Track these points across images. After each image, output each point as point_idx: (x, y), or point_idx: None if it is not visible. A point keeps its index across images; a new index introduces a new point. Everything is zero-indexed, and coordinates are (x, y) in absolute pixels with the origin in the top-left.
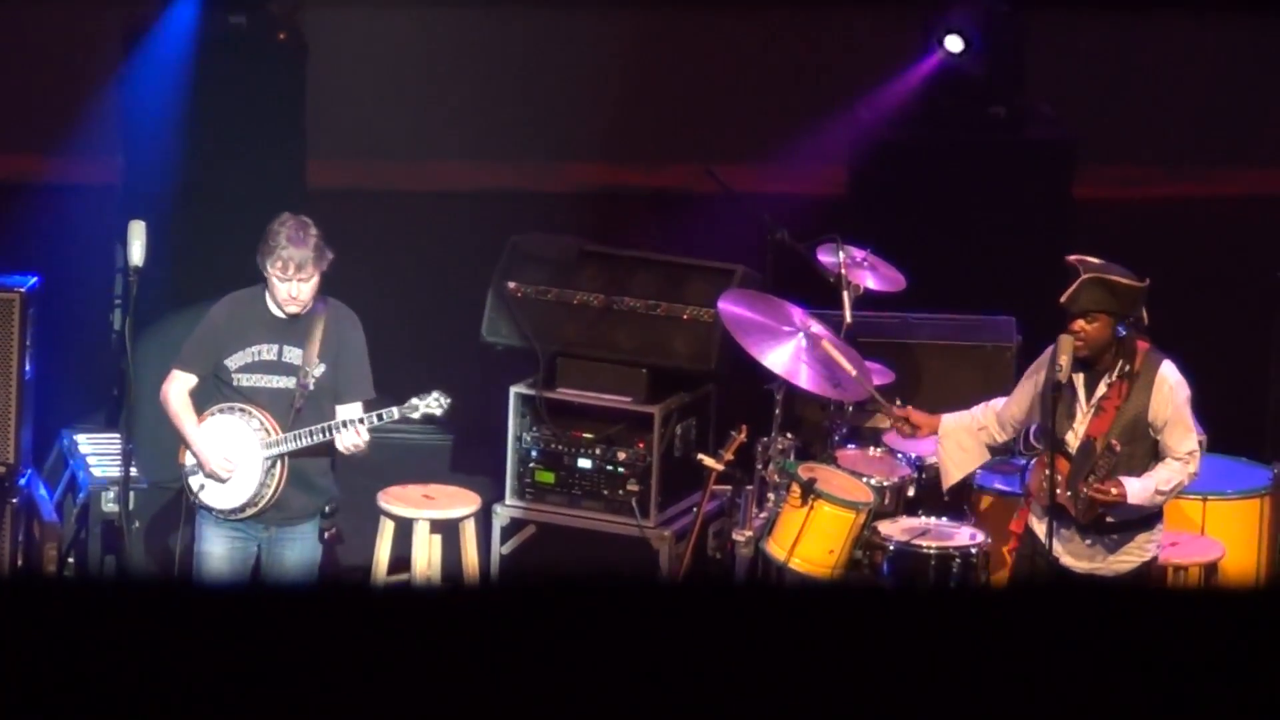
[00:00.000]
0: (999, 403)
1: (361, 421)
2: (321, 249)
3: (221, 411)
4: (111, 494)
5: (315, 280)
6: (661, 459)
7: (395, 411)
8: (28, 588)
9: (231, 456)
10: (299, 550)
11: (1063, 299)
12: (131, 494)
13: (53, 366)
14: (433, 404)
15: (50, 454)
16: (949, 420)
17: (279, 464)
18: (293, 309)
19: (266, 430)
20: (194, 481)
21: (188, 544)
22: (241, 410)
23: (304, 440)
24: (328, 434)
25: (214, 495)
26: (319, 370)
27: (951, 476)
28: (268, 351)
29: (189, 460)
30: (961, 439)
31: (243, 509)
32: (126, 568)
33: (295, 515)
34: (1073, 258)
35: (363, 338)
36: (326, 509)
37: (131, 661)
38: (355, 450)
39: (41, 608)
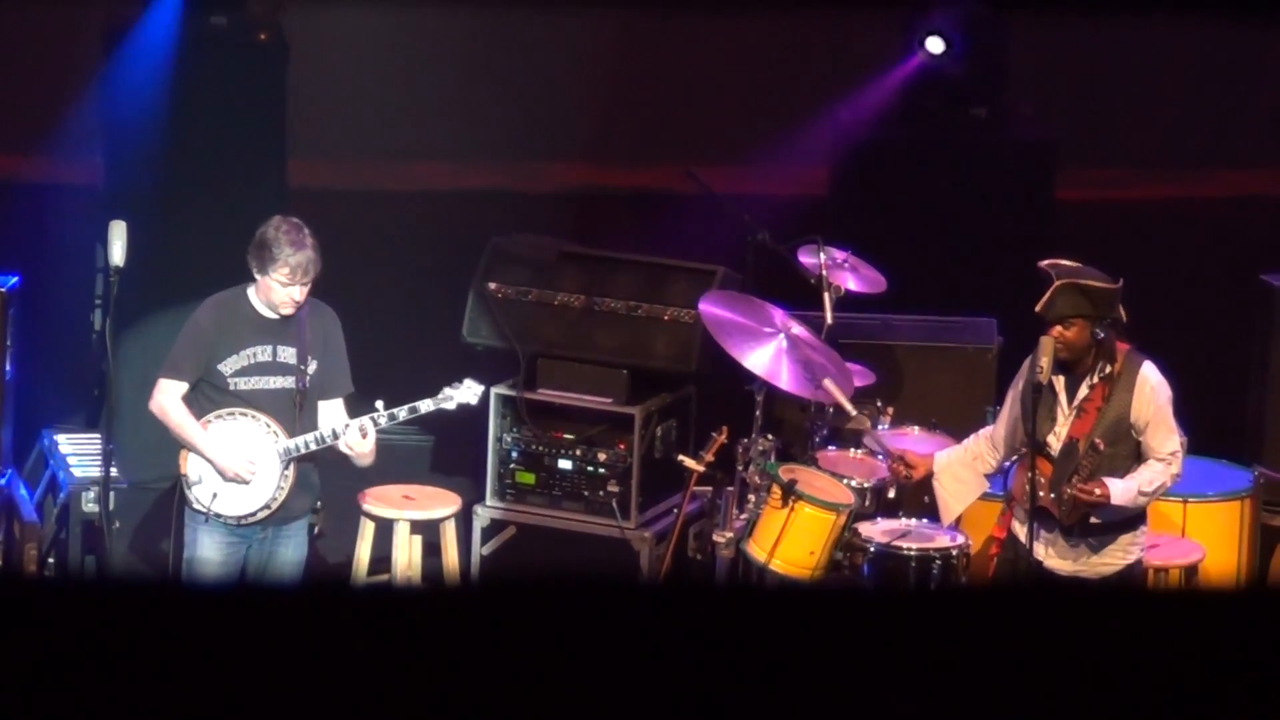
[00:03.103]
0: (988, 429)
1: (374, 418)
2: (318, 249)
3: (222, 418)
4: (92, 494)
5: (310, 283)
6: (642, 460)
7: (430, 403)
8: (11, 587)
9: (252, 460)
10: (293, 548)
11: (1038, 308)
12: (112, 494)
13: (33, 366)
14: (466, 392)
15: (30, 454)
16: (943, 457)
17: (291, 465)
18: (287, 311)
19: (276, 433)
20: (202, 492)
21: (178, 551)
22: (245, 414)
23: (322, 440)
24: (336, 435)
25: (229, 503)
26: (313, 367)
27: (951, 511)
28: (263, 352)
29: (193, 471)
30: (958, 472)
31: (255, 513)
32: (107, 568)
33: (293, 514)
34: (1045, 263)
35: (342, 333)
36: (316, 505)
37: (119, 661)
38: (357, 452)
39: (26, 607)
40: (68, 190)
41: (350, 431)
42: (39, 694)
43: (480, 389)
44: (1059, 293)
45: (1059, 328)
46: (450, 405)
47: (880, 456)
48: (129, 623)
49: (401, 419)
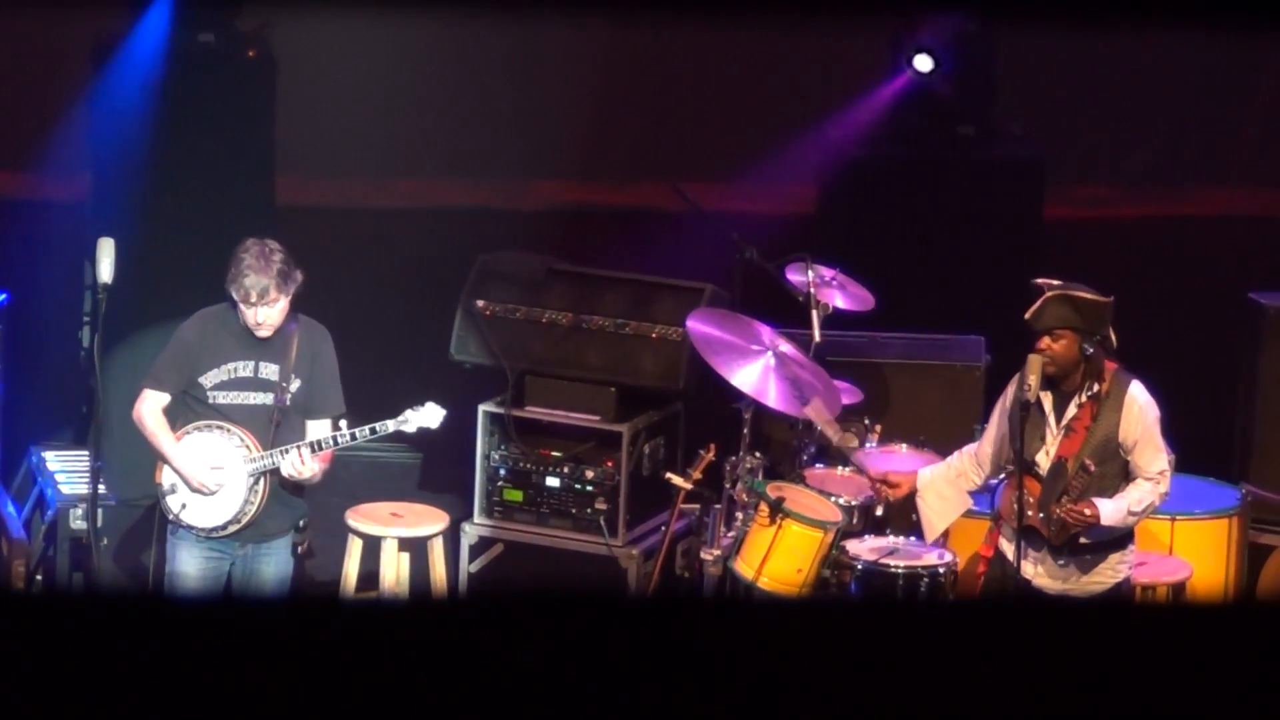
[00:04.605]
0: (973, 447)
1: (320, 444)
2: (286, 273)
3: (199, 430)
4: (80, 511)
5: (282, 304)
6: (630, 477)
7: (390, 425)
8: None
9: (215, 472)
10: (274, 566)
11: (1027, 315)
12: (100, 511)
13: (21, 384)
14: (426, 415)
15: (19, 471)
16: (926, 474)
17: (262, 481)
18: (263, 333)
19: (248, 447)
20: (173, 502)
21: (159, 564)
22: (220, 428)
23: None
24: (281, 458)
25: (196, 514)
26: (295, 385)
27: (935, 529)
28: (244, 368)
29: (166, 480)
30: (941, 489)
31: (225, 527)
32: (94, 585)
33: (272, 531)
34: (1039, 281)
35: (334, 353)
36: (300, 524)
37: (106, 676)
38: (299, 477)
39: (13, 623)
40: (56, 207)
41: (290, 456)
42: (27, 709)
43: (441, 413)
44: (1049, 303)
45: (1047, 339)
46: (409, 428)
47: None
48: (115, 637)
49: (360, 439)
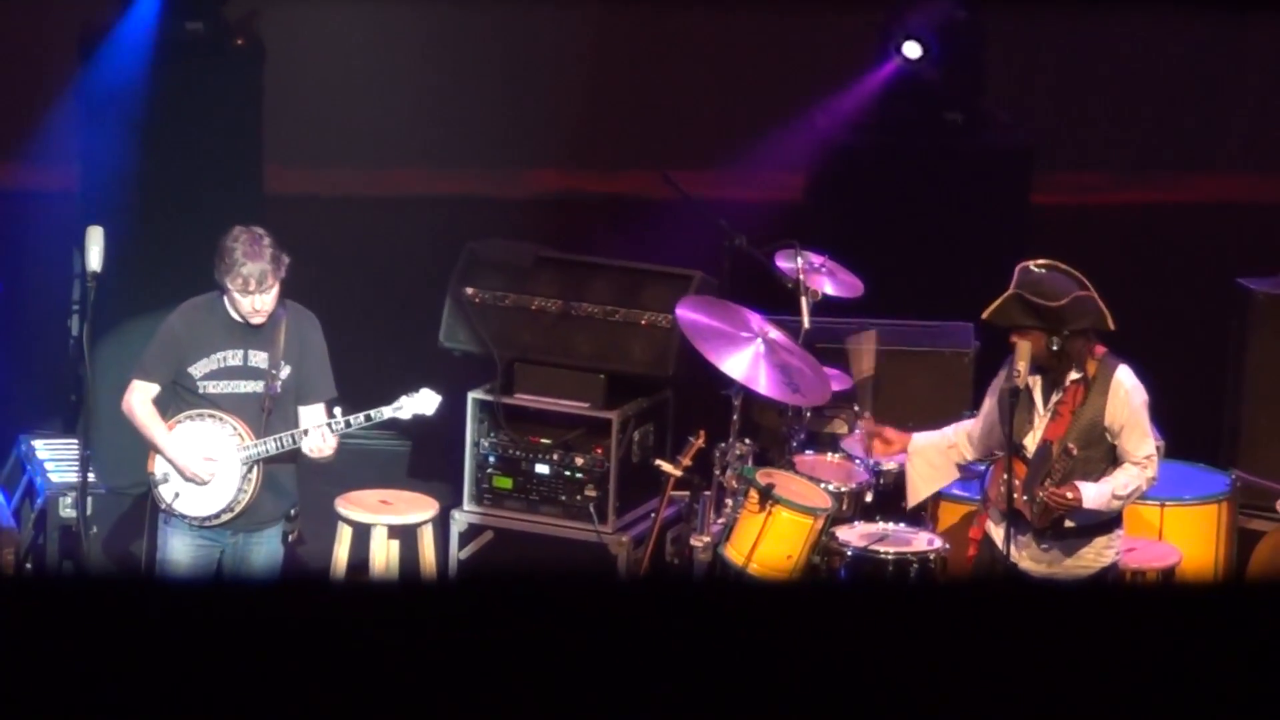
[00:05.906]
0: (968, 423)
1: (331, 425)
2: (278, 258)
3: (191, 419)
4: (69, 499)
5: (276, 289)
6: (619, 464)
7: (385, 411)
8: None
9: (208, 462)
10: (265, 554)
11: (985, 314)
12: (89, 499)
13: (10, 372)
14: (421, 401)
15: (8, 459)
16: (920, 438)
17: (255, 469)
18: (258, 320)
19: (241, 435)
20: (166, 491)
21: (151, 553)
22: (212, 416)
23: (283, 444)
24: (295, 440)
25: (190, 503)
26: (285, 372)
27: (918, 493)
28: (233, 357)
29: (159, 470)
30: (931, 457)
31: (219, 515)
32: (84, 573)
33: (263, 519)
34: (1028, 264)
35: (323, 338)
36: (291, 512)
37: (97, 660)
38: (319, 455)
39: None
40: (44, 197)
41: (312, 436)
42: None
43: (437, 399)
44: (1006, 303)
45: (1015, 334)
46: (404, 415)
47: (857, 462)
48: (106, 621)
49: (356, 426)
